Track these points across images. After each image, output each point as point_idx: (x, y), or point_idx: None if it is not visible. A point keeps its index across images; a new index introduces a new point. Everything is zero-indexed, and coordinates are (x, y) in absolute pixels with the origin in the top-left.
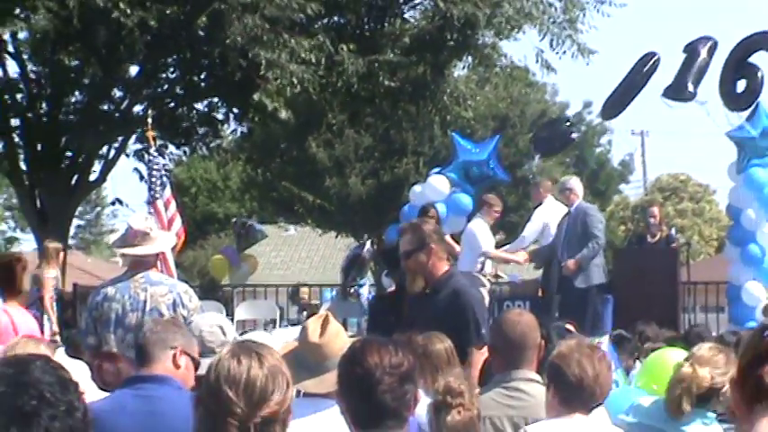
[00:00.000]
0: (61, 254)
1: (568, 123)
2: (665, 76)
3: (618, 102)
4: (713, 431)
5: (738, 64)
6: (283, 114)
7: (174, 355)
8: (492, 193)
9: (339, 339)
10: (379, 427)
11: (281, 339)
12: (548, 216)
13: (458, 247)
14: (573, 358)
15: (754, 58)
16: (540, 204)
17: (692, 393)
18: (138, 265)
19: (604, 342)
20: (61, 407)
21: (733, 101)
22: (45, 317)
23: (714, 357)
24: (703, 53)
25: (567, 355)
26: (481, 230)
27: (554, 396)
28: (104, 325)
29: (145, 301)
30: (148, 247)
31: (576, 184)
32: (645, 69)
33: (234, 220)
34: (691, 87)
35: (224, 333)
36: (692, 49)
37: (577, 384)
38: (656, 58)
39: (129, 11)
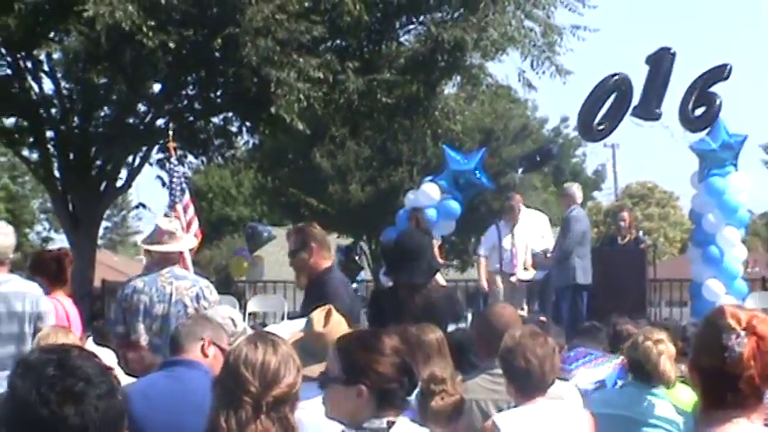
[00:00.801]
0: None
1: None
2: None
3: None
4: (666, 410)
5: (699, 94)
6: (300, 126)
7: (203, 345)
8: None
9: (341, 329)
10: (383, 408)
11: (289, 330)
12: (522, 228)
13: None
14: (518, 350)
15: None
16: (516, 224)
17: (663, 361)
18: (165, 260)
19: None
20: (105, 388)
21: (690, 123)
22: None
23: (663, 336)
24: (664, 64)
25: (513, 347)
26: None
27: (510, 387)
28: (134, 315)
29: (171, 294)
30: (174, 245)
31: (573, 191)
32: (626, 99)
33: (244, 225)
34: (656, 107)
35: (235, 324)
36: (653, 61)
37: (526, 373)
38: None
39: (151, 34)
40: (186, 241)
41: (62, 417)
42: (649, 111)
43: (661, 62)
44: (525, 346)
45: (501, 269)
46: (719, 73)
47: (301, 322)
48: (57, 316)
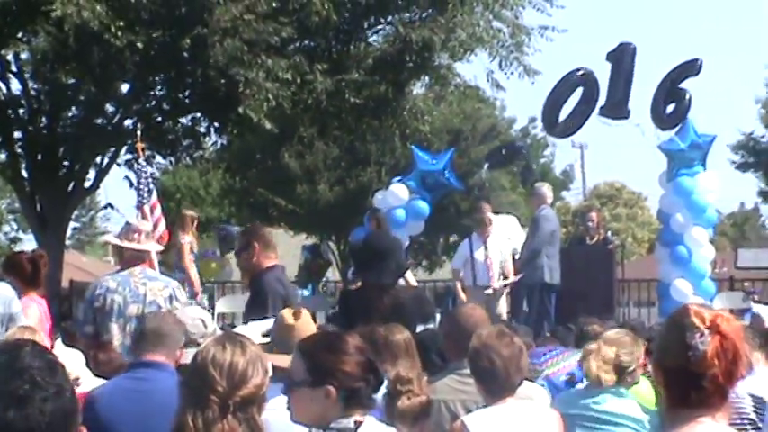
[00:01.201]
0: (195, 221)
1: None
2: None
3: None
4: (630, 408)
5: (669, 90)
6: (267, 125)
7: (172, 346)
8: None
9: (310, 326)
10: (351, 407)
11: (257, 330)
12: (495, 240)
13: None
14: (482, 352)
15: (683, 84)
16: (489, 236)
17: (602, 365)
18: (135, 259)
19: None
20: (51, 389)
21: (662, 121)
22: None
23: (621, 339)
24: (626, 59)
25: (479, 348)
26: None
27: (479, 388)
28: (106, 315)
29: (145, 295)
30: (147, 244)
31: (543, 191)
32: (592, 95)
33: (215, 226)
34: (624, 104)
35: (205, 325)
36: (614, 57)
37: (491, 373)
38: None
39: (119, 34)
40: (155, 243)
41: (6, 421)
42: (617, 109)
43: (622, 57)
44: (491, 347)
45: (474, 283)
46: (690, 68)
47: (269, 322)
48: (39, 316)
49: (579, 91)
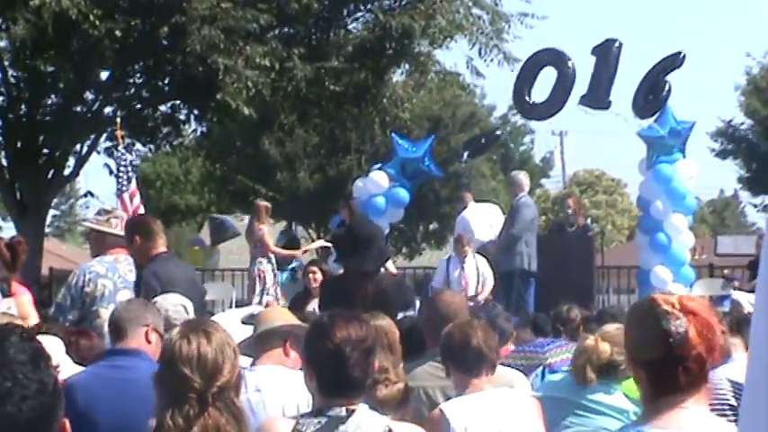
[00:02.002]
0: (268, 211)
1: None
2: (580, 80)
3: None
4: (617, 400)
5: (653, 83)
6: (246, 111)
7: (147, 332)
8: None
9: (288, 312)
10: (344, 395)
11: (236, 318)
12: (467, 215)
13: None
14: (454, 336)
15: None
16: (465, 208)
17: (594, 363)
18: (117, 246)
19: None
20: (33, 386)
21: (641, 110)
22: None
23: (618, 336)
24: (611, 55)
25: (451, 333)
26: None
27: (454, 374)
28: (98, 300)
29: (134, 281)
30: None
31: (522, 178)
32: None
33: (210, 217)
34: (605, 95)
35: (187, 312)
36: (600, 52)
37: (464, 355)
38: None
39: (97, 22)
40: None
41: None
42: (598, 99)
43: (608, 53)
44: (460, 330)
45: None
46: (673, 61)
47: (246, 310)
48: (29, 302)
49: (552, 73)
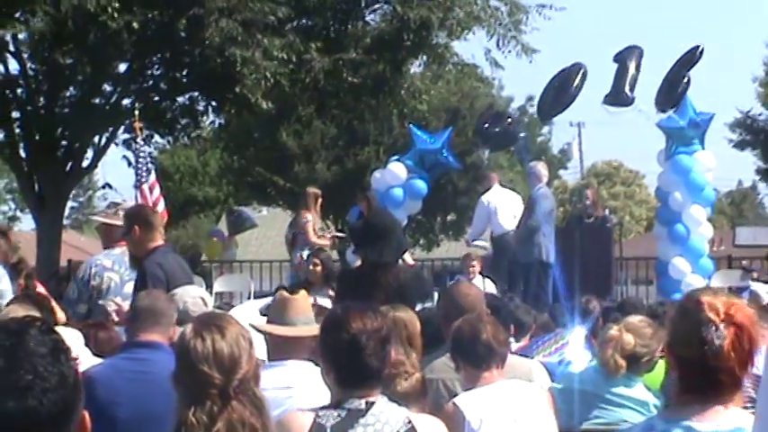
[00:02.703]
0: (318, 199)
1: (509, 120)
2: (597, 77)
3: (552, 109)
4: (638, 392)
5: (673, 78)
6: (264, 105)
7: (168, 325)
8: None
9: (306, 302)
10: (362, 387)
11: (254, 308)
12: (491, 199)
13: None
14: (464, 330)
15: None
16: (488, 190)
17: (619, 353)
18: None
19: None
20: (53, 379)
21: (662, 105)
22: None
23: (642, 329)
24: (633, 62)
25: (461, 327)
26: None
27: (464, 369)
28: (105, 292)
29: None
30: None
31: (538, 169)
32: (576, 82)
33: (229, 209)
34: (628, 93)
35: (205, 304)
36: (621, 59)
37: (474, 349)
38: (583, 70)
39: (116, 15)
40: None
41: (5, 412)
42: (621, 98)
43: (629, 59)
44: (471, 324)
45: None
46: (692, 57)
47: (264, 301)
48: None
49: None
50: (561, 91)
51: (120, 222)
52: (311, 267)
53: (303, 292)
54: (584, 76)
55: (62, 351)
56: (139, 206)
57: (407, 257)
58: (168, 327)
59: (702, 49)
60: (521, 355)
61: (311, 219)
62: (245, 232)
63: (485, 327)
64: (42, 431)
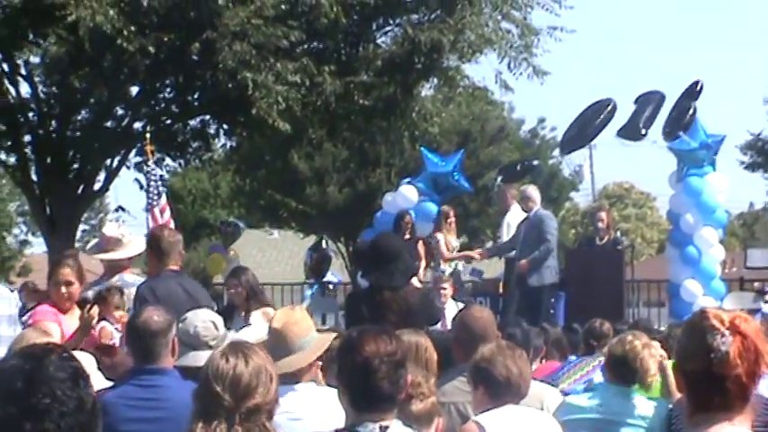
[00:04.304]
0: (448, 216)
1: (534, 165)
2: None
3: (576, 142)
4: (637, 406)
5: (680, 108)
6: (282, 126)
7: (172, 346)
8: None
9: (298, 327)
10: (376, 410)
11: (259, 333)
12: (513, 220)
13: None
14: (498, 360)
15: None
16: (508, 211)
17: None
18: (114, 268)
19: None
20: (71, 404)
21: (669, 135)
22: None
23: (645, 345)
24: (652, 106)
25: (492, 357)
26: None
27: (484, 394)
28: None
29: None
30: (121, 252)
31: (533, 192)
32: (602, 116)
33: (220, 221)
34: (643, 131)
35: (216, 328)
36: (642, 101)
37: (505, 382)
38: (611, 105)
39: (131, 38)
40: (135, 246)
41: None
42: (635, 133)
43: (649, 104)
44: (506, 357)
45: None
46: (693, 91)
47: (261, 330)
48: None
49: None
50: (586, 126)
51: (121, 256)
52: (231, 290)
53: (294, 315)
54: (612, 112)
55: (81, 377)
56: (157, 229)
57: (415, 281)
58: (168, 347)
59: (702, 85)
60: (543, 380)
61: (441, 237)
62: (258, 256)
63: (515, 363)
64: None
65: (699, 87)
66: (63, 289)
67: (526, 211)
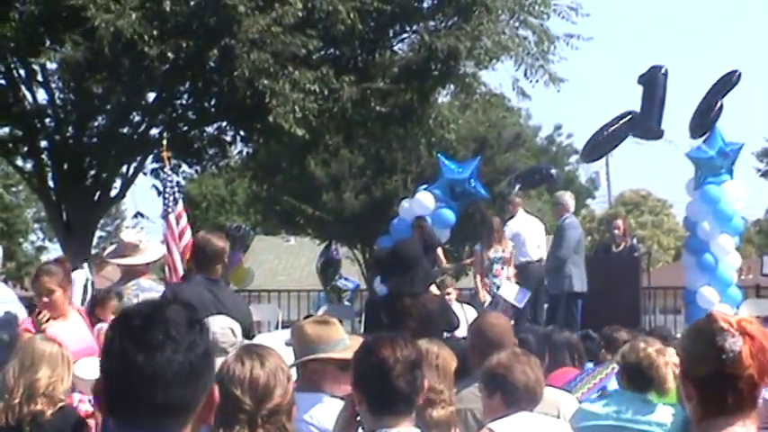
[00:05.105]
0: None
1: (553, 172)
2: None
3: (599, 150)
4: (656, 413)
5: (707, 104)
6: (300, 133)
7: None
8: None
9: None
10: (393, 412)
11: (281, 339)
12: (517, 226)
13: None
14: (515, 367)
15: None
16: (513, 217)
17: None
18: (130, 273)
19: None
20: (184, 343)
21: (694, 129)
22: None
23: (661, 351)
24: (658, 83)
25: (508, 364)
26: None
27: (501, 401)
28: None
29: None
30: (138, 257)
31: (565, 200)
32: (624, 124)
33: (228, 226)
34: (657, 125)
35: (234, 334)
36: (646, 80)
37: (523, 389)
38: (631, 117)
39: (152, 42)
40: (152, 252)
41: (134, 364)
42: (650, 130)
43: (654, 81)
44: (522, 363)
45: None
46: (728, 81)
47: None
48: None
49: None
50: (610, 138)
51: (138, 261)
52: None
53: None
54: (634, 125)
55: (198, 323)
56: (200, 238)
57: (433, 287)
58: None
59: (740, 75)
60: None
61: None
62: (275, 263)
63: (532, 370)
64: (167, 387)
65: (737, 77)
66: (45, 299)
67: (558, 218)
